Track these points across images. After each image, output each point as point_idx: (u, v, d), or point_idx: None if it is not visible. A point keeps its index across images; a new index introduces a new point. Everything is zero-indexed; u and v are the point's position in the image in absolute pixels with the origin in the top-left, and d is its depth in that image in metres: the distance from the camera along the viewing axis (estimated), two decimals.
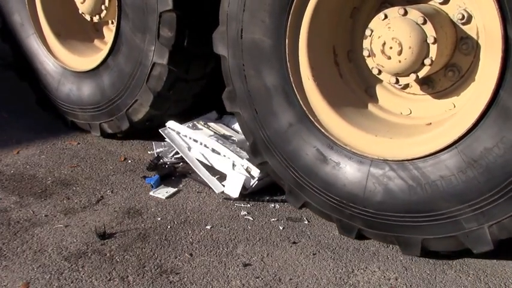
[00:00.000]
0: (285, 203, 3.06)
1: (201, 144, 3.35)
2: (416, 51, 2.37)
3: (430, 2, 2.52)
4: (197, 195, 3.20)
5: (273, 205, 3.09)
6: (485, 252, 2.64)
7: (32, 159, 3.66)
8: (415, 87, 2.69)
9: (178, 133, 3.46)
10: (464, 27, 2.44)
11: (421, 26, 2.36)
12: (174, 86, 3.48)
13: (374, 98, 2.82)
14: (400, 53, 2.39)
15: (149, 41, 3.34)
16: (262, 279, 2.46)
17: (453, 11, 2.45)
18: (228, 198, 3.13)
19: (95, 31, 4.12)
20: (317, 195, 2.74)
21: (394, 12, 2.45)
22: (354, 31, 2.79)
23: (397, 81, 2.55)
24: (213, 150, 3.29)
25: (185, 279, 2.45)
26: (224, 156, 3.24)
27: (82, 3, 3.71)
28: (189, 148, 3.46)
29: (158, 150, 3.61)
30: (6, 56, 4.40)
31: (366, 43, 2.55)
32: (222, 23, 2.85)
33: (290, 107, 2.74)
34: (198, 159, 3.40)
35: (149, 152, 3.74)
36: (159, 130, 3.55)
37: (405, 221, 2.48)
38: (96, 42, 4.09)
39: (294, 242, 2.74)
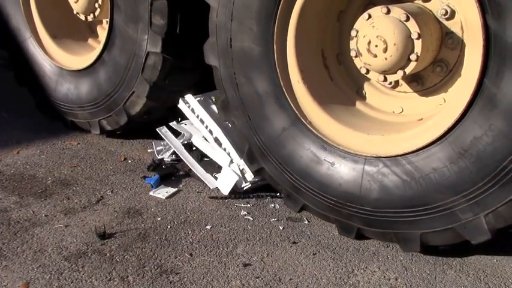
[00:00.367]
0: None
1: (206, 127, 3.35)
2: (401, 48, 2.40)
3: (415, 1, 2.56)
4: (197, 195, 3.20)
5: (273, 205, 3.09)
6: (485, 252, 2.65)
7: (32, 159, 3.66)
8: (406, 85, 2.72)
9: (192, 110, 3.43)
10: (448, 23, 2.47)
11: (404, 23, 2.40)
12: (169, 75, 3.48)
13: (366, 99, 2.85)
14: (385, 50, 2.43)
15: (142, 30, 3.36)
16: (262, 279, 2.46)
17: (436, 7, 2.48)
18: (214, 197, 3.13)
19: (90, 32, 4.16)
20: (314, 197, 2.75)
21: (377, 11, 2.49)
22: (341, 34, 2.84)
23: (385, 79, 2.58)
24: (216, 140, 3.30)
25: (185, 279, 2.45)
26: (224, 149, 3.24)
27: (76, 2, 3.74)
28: (189, 141, 3.49)
29: (158, 148, 3.61)
30: (6, 57, 4.40)
31: (352, 44, 2.59)
32: (212, 34, 2.91)
33: (282, 111, 2.78)
34: (196, 148, 3.43)
35: (149, 151, 3.74)
36: (157, 129, 3.56)
37: (402, 217, 2.49)
38: (92, 41, 4.12)
39: (294, 242, 2.74)
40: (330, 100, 2.79)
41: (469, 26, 2.28)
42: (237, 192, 3.17)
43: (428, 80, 2.64)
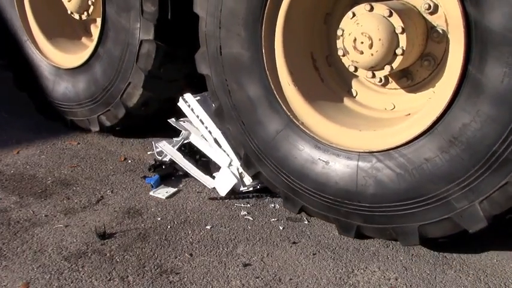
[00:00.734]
0: None
1: (206, 128, 3.36)
2: (387, 42, 2.44)
3: None
4: (197, 195, 3.20)
5: (273, 205, 3.09)
6: (485, 252, 2.65)
7: (32, 159, 3.66)
8: (396, 82, 2.74)
9: (189, 106, 3.44)
10: (433, 17, 2.50)
11: (388, 18, 2.44)
12: (164, 63, 3.49)
13: (357, 98, 2.88)
14: (371, 46, 2.46)
15: (134, 19, 3.38)
16: (262, 279, 2.46)
17: (419, 3, 2.52)
18: (214, 198, 3.13)
19: (85, 31, 4.19)
20: (312, 198, 2.76)
21: (361, 9, 2.54)
22: (329, 36, 2.87)
23: (374, 75, 2.60)
24: (215, 141, 3.30)
25: (185, 279, 2.45)
26: (224, 151, 3.24)
27: (69, 1, 3.78)
28: (188, 139, 3.51)
29: (158, 150, 3.61)
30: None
31: (339, 43, 2.63)
32: (202, 44, 2.98)
33: (274, 114, 2.81)
34: (196, 148, 3.45)
35: (148, 153, 3.74)
36: (155, 143, 3.55)
37: (399, 210, 2.51)
38: (87, 41, 4.14)
39: (294, 242, 2.74)
40: (321, 100, 2.82)
41: (451, 17, 2.31)
42: (236, 192, 3.18)
43: (417, 75, 2.68)
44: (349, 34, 2.53)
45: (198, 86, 3.45)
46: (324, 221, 2.90)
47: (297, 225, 2.90)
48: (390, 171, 2.48)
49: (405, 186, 2.45)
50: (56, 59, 4.01)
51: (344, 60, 2.67)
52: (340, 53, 2.65)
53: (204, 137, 3.39)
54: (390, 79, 2.74)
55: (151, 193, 3.20)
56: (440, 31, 2.50)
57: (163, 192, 3.20)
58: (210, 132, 3.32)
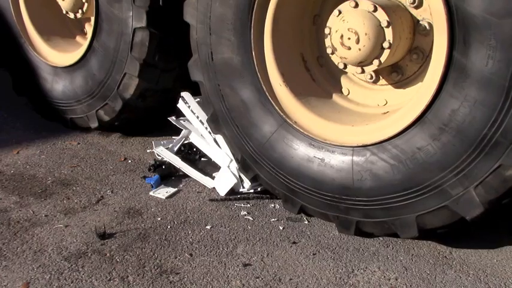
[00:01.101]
0: None
1: (206, 128, 3.36)
2: (373, 36, 2.47)
3: None
4: (197, 195, 3.20)
5: (273, 205, 3.09)
6: (485, 252, 2.65)
7: (32, 159, 3.66)
8: (387, 78, 2.77)
9: (189, 107, 3.46)
10: (418, 11, 2.54)
11: (373, 13, 2.48)
12: (158, 51, 3.49)
13: (350, 96, 2.90)
14: (358, 41, 2.50)
15: (126, 7, 3.40)
16: (262, 279, 2.46)
17: None
18: (215, 200, 3.13)
19: (81, 32, 4.21)
20: (311, 196, 2.76)
21: (346, 6, 2.58)
22: (319, 37, 2.90)
23: (363, 71, 2.63)
24: (215, 140, 3.30)
25: (185, 279, 2.45)
26: (225, 152, 3.25)
27: (63, 0, 3.81)
28: (188, 138, 3.52)
29: (156, 153, 3.61)
30: None
31: (327, 41, 2.67)
32: (194, 51, 3.04)
33: (268, 115, 2.84)
34: (195, 148, 3.47)
35: (148, 151, 3.74)
36: (155, 150, 3.56)
37: (396, 202, 2.52)
38: (82, 40, 4.16)
39: (294, 242, 2.74)
40: (313, 99, 2.85)
41: (433, 4, 2.33)
42: (236, 193, 3.18)
43: (407, 69, 2.70)
44: (336, 31, 2.57)
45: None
46: (323, 221, 2.91)
47: (297, 225, 2.90)
48: (385, 163, 2.50)
49: (400, 177, 2.47)
50: (53, 58, 4.04)
51: (333, 58, 2.71)
52: (329, 51, 2.69)
53: (203, 137, 3.39)
54: (381, 76, 2.77)
55: (151, 193, 3.20)
56: (427, 24, 2.53)
57: (163, 192, 3.20)
58: (210, 132, 3.32)
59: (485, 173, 2.25)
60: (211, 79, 2.98)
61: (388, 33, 2.47)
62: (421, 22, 2.54)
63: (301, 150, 2.75)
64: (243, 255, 2.63)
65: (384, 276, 2.50)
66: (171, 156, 3.47)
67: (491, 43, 2.11)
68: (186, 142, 3.61)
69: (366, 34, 2.47)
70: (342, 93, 2.91)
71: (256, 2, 2.72)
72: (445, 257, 2.62)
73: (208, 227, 2.86)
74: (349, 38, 2.52)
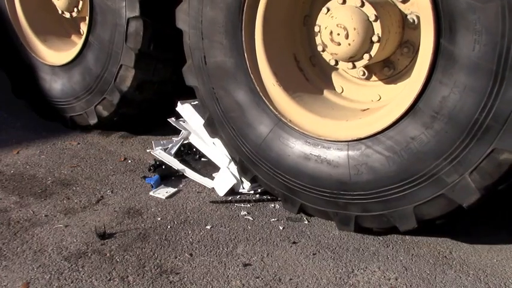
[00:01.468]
0: None
1: None
2: (362, 31, 2.51)
3: None
4: (197, 195, 3.20)
5: (273, 205, 3.09)
6: (485, 252, 2.65)
7: (32, 159, 3.66)
8: (379, 73, 2.79)
9: (190, 115, 3.48)
10: (405, 5, 2.58)
11: (360, 8, 2.53)
12: (153, 41, 3.49)
13: (343, 94, 2.92)
14: (347, 36, 2.53)
15: None
16: (262, 279, 2.46)
17: None
18: (215, 201, 3.13)
19: (77, 32, 4.23)
20: (309, 194, 2.77)
21: (334, 3, 2.63)
22: (310, 37, 2.92)
23: (354, 66, 2.66)
24: (214, 143, 3.30)
25: (185, 279, 2.45)
26: (224, 153, 3.25)
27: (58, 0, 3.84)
28: (187, 140, 3.53)
29: (158, 149, 3.61)
30: None
31: (317, 39, 2.70)
32: (188, 57, 3.07)
33: (263, 114, 2.86)
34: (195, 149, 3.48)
35: (148, 151, 3.74)
36: (151, 152, 3.55)
37: (393, 193, 2.53)
38: (79, 39, 4.17)
39: (294, 242, 2.74)
40: (307, 98, 2.88)
41: None
42: (236, 193, 3.18)
43: (399, 63, 2.73)
44: (326, 28, 2.61)
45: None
46: (323, 221, 2.91)
47: (297, 225, 2.90)
48: (380, 155, 2.51)
49: (396, 169, 2.48)
50: (50, 58, 4.06)
51: (324, 55, 2.74)
52: (319, 48, 2.72)
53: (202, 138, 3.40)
54: (373, 71, 2.80)
55: (151, 193, 3.20)
56: (415, 17, 2.55)
57: (163, 192, 3.20)
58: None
59: (479, 159, 2.26)
60: (206, 83, 3.01)
61: (377, 27, 2.50)
62: (409, 16, 2.57)
63: (297, 148, 2.76)
64: (243, 255, 2.63)
65: (384, 276, 2.50)
66: (169, 159, 3.47)
67: (477, 28, 2.13)
68: (185, 142, 3.62)
69: (354, 29, 2.51)
70: (336, 91, 2.94)
71: (245, 4, 2.75)
72: (445, 257, 2.62)
73: (208, 227, 2.86)
74: (338, 34, 2.56)
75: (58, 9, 3.94)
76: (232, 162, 3.19)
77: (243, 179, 3.17)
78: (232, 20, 2.80)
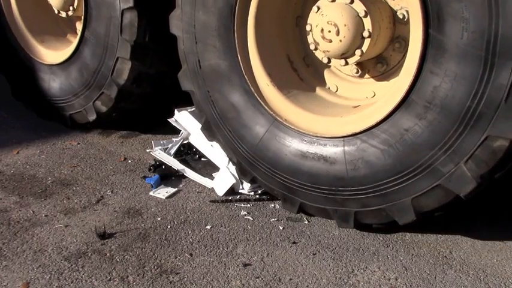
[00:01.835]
0: None
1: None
2: (352, 27, 2.54)
3: None
4: (197, 195, 3.20)
5: (273, 205, 3.09)
6: (485, 252, 2.65)
7: (32, 159, 3.66)
8: (372, 70, 2.81)
9: (187, 123, 3.50)
10: (395, 1, 2.61)
11: (350, 5, 2.57)
12: (148, 31, 3.49)
13: (338, 92, 2.94)
14: (338, 33, 2.56)
15: None
16: (262, 279, 2.46)
17: None
18: (215, 201, 3.13)
19: (73, 32, 4.23)
20: (308, 192, 2.78)
21: (324, 1, 2.67)
22: (303, 38, 2.93)
23: (347, 63, 2.68)
24: (212, 145, 3.31)
25: (185, 279, 2.45)
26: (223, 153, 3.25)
27: None
28: (187, 140, 3.53)
29: (157, 150, 3.61)
30: None
31: (309, 38, 2.74)
32: (182, 62, 3.11)
33: (258, 115, 2.87)
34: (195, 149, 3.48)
35: (147, 150, 3.74)
36: (150, 152, 3.55)
37: (390, 187, 2.53)
38: (75, 38, 4.18)
39: (294, 242, 2.74)
40: (302, 97, 2.90)
41: None
42: (236, 193, 3.18)
43: (391, 59, 2.75)
44: (317, 26, 2.63)
45: None
46: (323, 221, 2.91)
47: (297, 225, 2.90)
48: (375, 149, 2.52)
49: (392, 161, 2.49)
50: (48, 58, 4.06)
51: (317, 53, 2.77)
52: (312, 47, 2.75)
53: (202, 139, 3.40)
54: (367, 68, 2.82)
55: (151, 193, 3.20)
56: (405, 13, 2.57)
57: (163, 192, 3.20)
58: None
59: (473, 147, 2.26)
60: (201, 86, 3.03)
61: (367, 22, 2.53)
62: (399, 12, 2.60)
63: (293, 147, 2.77)
64: (243, 255, 2.63)
65: (384, 276, 2.50)
66: (169, 159, 3.47)
67: (464, 15, 2.15)
68: (185, 142, 3.62)
69: (345, 25, 2.54)
70: (331, 89, 2.95)
71: (237, 7, 2.77)
72: (445, 257, 2.62)
73: (208, 227, 2.86)
74: (329, 31, 2.58)
75: (54, 9, 3.95)
76: (229, 167, 3.20)
77: (244, 183, 3.18)
78: (225, 22, 2.83)
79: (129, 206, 3.07)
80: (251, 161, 2.94)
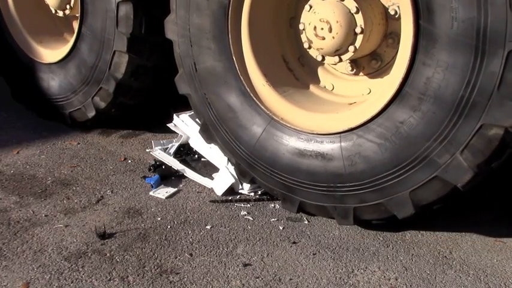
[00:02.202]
0: None
1: None
2: (344, 23, 2.56)
3: None
4: (197, 195, 3.20)
5: (272, 205, 3.09)
6: (485, 252, 2.65)
7: (32, 159, 3.66)
8: (367, 67, 2.82)
9: (186, 126, 3.51)
10: None
11: (342, 2, 2.59)
12: (143, 23, 3.48)
13: (334, 90, 2.95)
14: (330, 29, 2.59)
15: None
16: (262, 279, 2.46)
17: None
18: (215, 201, 3.13)
19: (71, 31, 4.22)
20: (307, 190, 2.78)
21: (315, 0, 2.69)
22: (297, 38, 2.94)
23: (340, 60, 2.69)
24: (211, 147, 3.31)
25: (185, 279, 2.45)
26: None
27: None
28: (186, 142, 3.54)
29: (157, 151, 3.61)
30: None
31: (303, 37, 2.76)
32: (179, 66, 3.12)
33: (255, 115, 2.88)
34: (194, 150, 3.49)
35: (147, 150, 3.74)
36: (150, 152, 3.54)
37: (388, 181, 2.53)
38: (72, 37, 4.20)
39: (294, 242, 2.74)
40: (297, 95, 2.91)
41: None
42: (236, 193, 3.18)
43: (385, 55, 2.76)
44: (309, 24, 2.65)
45: None
46: (323, 221, 2.91)
47: (297, 225, 2.90)
48: (372, 143, 2.53)
49: (388, 155, 2.49)
50: (47, 57, 4.07)
51: (311, 52, 2.78)
52: (306, 46, 2.76)
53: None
54: (362, 66, 2.83)
55: (151, 193, 3.20)
56: (397, 8, 2.58)
57: (163, 192, 3.20)
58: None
59: (468, 136, 2.26)
60: (198, 89, 3.04)
61: (359, 18, 2.55)
62: (390, 8, 2.61)
63: (291, 145, 2.78)
64: (243, 255, 2.63)
65: (384, 276, 2.50)
66: (169, 159, 3.47)
67: (453, 5, 2.16)
68: (185, 142, 3.61)
69: (337, 22, 2.56)
70: (327, 88, 2.96)
71: (230, 9, 2.78)
72: (445, 257, 2.62)
73: (208, 227, 2.86)
74: (322, 28, 2.60)
75: (51, 8, 3.96)
76: (229, 167, 3.20)
77: (243, 184, 3.18)
78: (219, 24, 2.85)
79: (129, 206, 3.07)
80: (249, 161, 2.94)
